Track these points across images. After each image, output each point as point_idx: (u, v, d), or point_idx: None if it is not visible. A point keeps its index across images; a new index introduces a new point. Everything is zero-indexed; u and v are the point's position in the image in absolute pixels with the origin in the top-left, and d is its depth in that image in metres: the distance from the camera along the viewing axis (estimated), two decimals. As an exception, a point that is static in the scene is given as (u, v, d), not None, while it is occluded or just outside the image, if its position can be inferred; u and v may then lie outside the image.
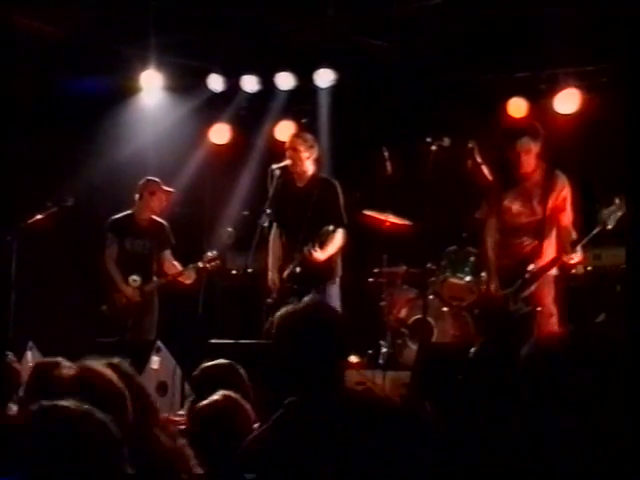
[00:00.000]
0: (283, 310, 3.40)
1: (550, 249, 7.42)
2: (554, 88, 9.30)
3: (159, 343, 7.77)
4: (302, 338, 3.30)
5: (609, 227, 7.00)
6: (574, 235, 7.27)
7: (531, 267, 7.35)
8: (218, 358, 4.89)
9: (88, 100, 9.80)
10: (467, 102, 9.53)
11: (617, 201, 6.96)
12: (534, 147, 7.44)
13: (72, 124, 9.81)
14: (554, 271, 7.46)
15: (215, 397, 3.96)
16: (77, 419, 2.29)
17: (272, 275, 8.16)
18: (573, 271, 7.83)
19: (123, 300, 8.81)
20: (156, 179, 9.06)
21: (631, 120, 8.24)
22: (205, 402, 3.95)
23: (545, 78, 9.46)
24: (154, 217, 9.06)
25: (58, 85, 9.83)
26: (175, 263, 8.93)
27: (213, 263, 8.71)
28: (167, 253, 9.03)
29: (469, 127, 8.86)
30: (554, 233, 7.43)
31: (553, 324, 7.29)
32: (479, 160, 8.29)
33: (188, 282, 8.87)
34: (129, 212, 9.03)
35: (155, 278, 8.95)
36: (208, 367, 4.70)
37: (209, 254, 8.74)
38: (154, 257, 8.96)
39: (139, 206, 8.99)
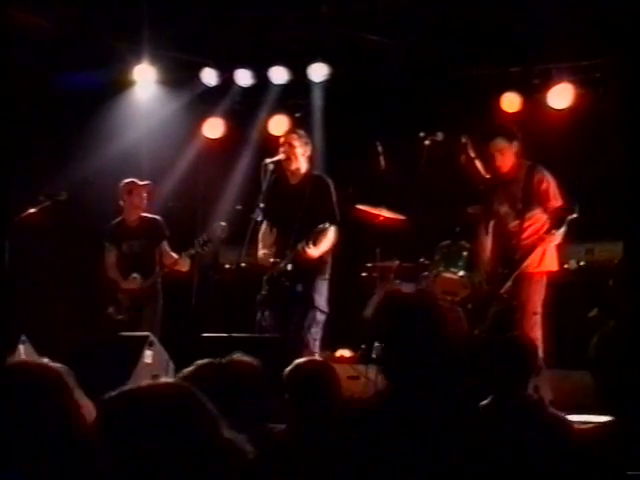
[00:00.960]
0: (389, 291, 3.35)
1: (531, 243, 7.46)
2: (547, 83, 9.31)
3: (152, 337, 7.77)
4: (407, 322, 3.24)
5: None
6: (562, 214, 7.30)
7: (515, 258, 7.42)
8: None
9: (81, 94, 9.77)
10: (461, 97, 9.53)
11: None
12: (509, 147, 7.49)
13: (65, 118, 9.79)
14: (551, 268, 7.48)
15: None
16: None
17: (261, 252, 8.15)
18: (565, 266, 7.83)
19: (127, 300, 8.97)
20: (131, 179, 9.14)
21: (630, 118, 8.32)
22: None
23: (538, 73, 9.46)
24: (144, 215, 9.16)
25: (51, 79, 9.81)
26: (173, 254, 8.97)
27: (205, 247, 8.73)
28: (164, 245, 9.10)
29: (462, 122, 8.86)
30: (540, 226, 7.48)
31: (535, 322, 7.32)
32: (472, 155, 8.29)
33: (185, 270, 8.94)
34: (120, 218, 9.19)
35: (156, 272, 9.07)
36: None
37: (201, 238, 8.76)
38: (152, 253, 9.05)
39: (125, 209, 9.15)
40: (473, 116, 9.17)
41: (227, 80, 10.29)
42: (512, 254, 7.49)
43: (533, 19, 8.53)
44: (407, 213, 8.95)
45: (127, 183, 9.13)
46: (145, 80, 10.16)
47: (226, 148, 10.62)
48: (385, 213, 9.08)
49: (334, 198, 8.06)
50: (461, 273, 9.20)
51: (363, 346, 9.04)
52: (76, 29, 9.31)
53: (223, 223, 9.24)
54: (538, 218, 7.52)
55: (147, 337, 7.75)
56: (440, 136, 8.10)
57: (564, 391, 7.57)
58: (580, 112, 9.08)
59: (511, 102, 9.52)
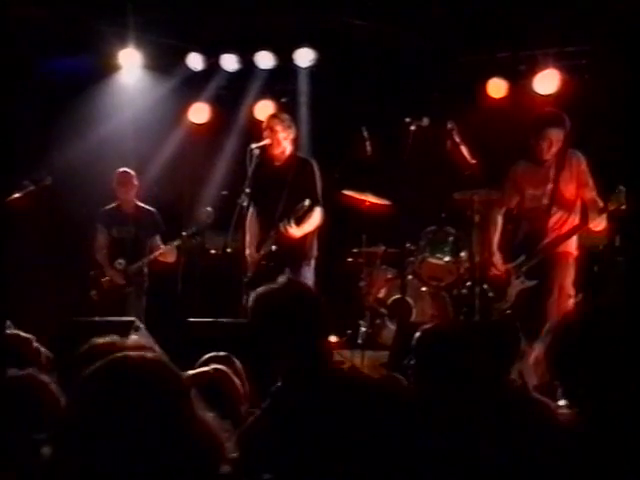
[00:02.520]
0: (258, 291, 3.38)
1: (566, 225, 7.48)
2: (534, 69, 9.32)
3: (137, 322, 7.75)
4: (279, 319, 3.27)
5: (622, 207, 7.13)
6: (601, 204, 7.32)
7: (544, 242, 7.43)
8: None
9: (66, 78, 9.74)
10: (446, 82, 9.54)
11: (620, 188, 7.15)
12: (556, 138, 7.50)
13: (50, 102, 9.77)
14: (574, 251, 7.50)
15: (206, 368, 3.95)
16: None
17: (249, 250, 8.16)
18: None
19: (108, 284, 9.12)
20: (120, 169, 9.23)
21: (616, 104, 8.33)
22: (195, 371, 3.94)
23: (524, 59, 9.48)
24: (141, 205, 9.32)
25: (36, 63, 9.76)
26: (162, 247, 9.03)
27: (193, 239, 8.78)
28: (156, 239, 9.24)
29: (448, 107, 8.87)
30: (572, 210, 7.50)
31: (570, 305, 7.31)
32: (458, 140, 8.30)
33: (170, 260, 9.05)
34: (116, 203, 9.34)
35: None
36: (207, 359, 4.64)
37: (188, 231, 8.80)
38: (141, 242, 9.17)
39: (118, 197, 9.30)
40: (459, 102, 9.19)
41: (213, 65, 10.27)
42: (538, 236, 7.48)
43: (519, 5, 8.53)
44: (393, 199, 8.96)
45: (117, 174, 9.24)
46: (131, 65, 10.13)
47: (212, 133, 10.60)
48: (371, 198, 9.09)
49: (318, 180, 8.06)
50: (447, 259, 9.24)
51: (349, 332, 9.07)
52: (61, 13, 9.26)
53: (209, 208, 9.24)
54: (571, 200, 7.50)
55: (132, 322, 7.73)
56: (426, 121, 8.09)
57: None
58: (566, 98, 9.08)
59: (497, 88, 9.54)
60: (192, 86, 10.47)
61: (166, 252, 8.99)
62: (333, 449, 3.00)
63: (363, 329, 8.96)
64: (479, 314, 8.38)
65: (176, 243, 8.89)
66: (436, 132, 8.37)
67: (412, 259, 9.23)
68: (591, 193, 7.46)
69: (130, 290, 9.14)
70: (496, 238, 7.76)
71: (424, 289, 9.23)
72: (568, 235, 7.48)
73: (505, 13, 8.68)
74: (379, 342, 8.87)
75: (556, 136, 7.50)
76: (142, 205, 9.34)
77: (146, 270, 9.22)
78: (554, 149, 7.53)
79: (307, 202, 7.75)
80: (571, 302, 7.37)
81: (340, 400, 3.12)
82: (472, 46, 9.46)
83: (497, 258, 7.68)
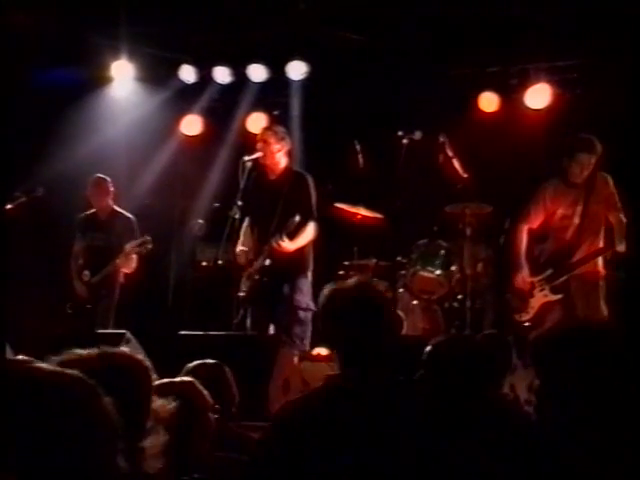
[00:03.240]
0: (329, 289, 3.38)
1: (591, 246, 7.60)
2: (525, 83, 9.35)
3: (128, 334, 7.74)
4: (353, 319, 3.28)
5: None
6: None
7: (573, 259, 7.57)
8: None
9: (59, 90, 9.74)
10: (439, 96, 9.55)
11: None
12: (588, 162, 7.59)
13: (43, 114, 9.75)
14: (602, 270, 7.59)
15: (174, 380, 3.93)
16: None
17: (238, 249, 8.13)
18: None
19: (83, 295, 8.98)
20: (98, 174, 9.15)
21: (607, 119, 8.37)
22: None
23: (516, 73, 9.51)
24: (118, 210, 9.16)
25: (28, 75, 9.75)
26: (134, 256, 8.91)
27: (142, 247, 8.71)
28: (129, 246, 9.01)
29: (441, 121, 8.88)
30: (600, 230, 7.62)
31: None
32: (450, 154, 8.33)
33: (129, 271, 8.93)
34: (93, 210, 9.21)
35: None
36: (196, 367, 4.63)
37: (138, 240, 8.75)
38: (113, 250, 8.94)
39: (93, 203, 9.19)
40: (451, 115, 9.20)
41: (205, 77, 10.28)
42: (567, 253, 7.59)
43: (511, 19, 8.56)
44: (385, 212, 8.96)
45: (90, 180, 9.14)
46: (123, 76, 10.14)
47: (204, 145, 10.60)
48: (363, 211, 9.09)
49: (313, 194, 8.05)
50: (438, 272, 9.23)
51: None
52: (54, 25, 9.27)
53: (201, 221, 9.24)
54: (599, 221, 7.59)
55: (123, 334, 7.72)
56: (418, 135, 8.11)
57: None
58: (557, 112, 9.12)
59: (489, 102, 9.57)
60: (184, 98, 10.48)
61: (123, 262, 8.83)
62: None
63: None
64: (470, 328, 8.40)
65: (127, 251, 8.74)
66: (428, 146, 8.39)
67: (403, 272, 9.23)
68: (619, 215, 7.58)
69: (101, 304, 8.92)
70: (523, 252, 7.82)
71: (415, 302, 9.22)
72: (595, 255, 7.63)
73: (497, 27, 8.71)
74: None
75: (588, 161, 7.62)
76: (120, 211, 9.16)
77: (115, 279, 8.99)
78: (585, 173, 7.66)
79: (297, 218, 7.75)
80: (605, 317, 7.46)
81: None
82: (464, 60, 9.49)
83: (526, 271, 7.77)
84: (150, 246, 8.76)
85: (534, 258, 7.81)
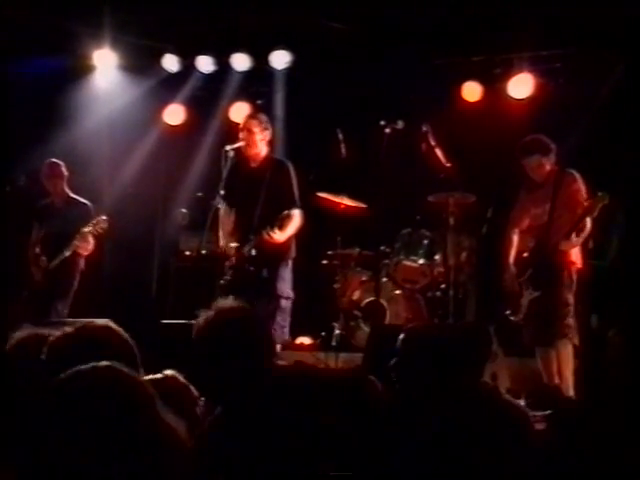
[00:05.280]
0: (200, 319, 3.36)
1: (559, 242, 7.55)
2: (508, 72, 9.36)
3: (111, 323, 7.72)
4: (220, 347, 3.27)
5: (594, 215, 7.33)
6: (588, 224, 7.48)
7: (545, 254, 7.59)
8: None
9: (40, 79, 9.70)
10: (421, 85, 9.55)
11: (600, 193, 7.26)
12: (545, 162, 7.62)
13: (24, 103, 9.71)
14: (578, 262, 7.61)
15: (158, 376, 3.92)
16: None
17: (223, 242, 8.15)
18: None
19: (39, 282, 8.88)
20: (51, 159, 9.06)
21: (590, 108, 8.41)
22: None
23: (499, 62, 9.51)
24: (73, 197, 9.07)
25: (10, 63, 9.71)
26: (90, 238, 8.80)
27: (99, 227, 8.66)
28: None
29: (423, 110, 8.89)
30: (567, 227, 7.56)
31: (568, 313, 7.46)
32: (433, 143, 8.34)
33: (86, 252, 8.84)
34: (50, 198, 9.11)
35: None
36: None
37: (94, 220, 8.70)
38: (70, 235, 8.80)
39: (47, 191, 9.09)
40: (434, 105, 9.21)
41: (188, 66, 10.25)
42: (541, 251, 7.61)
43: (494, 9, 8.56)
44: (368, 201, 8.98)
45: (47, 164, 9.05)
46: (105, 65, 10.09)
47: (187, 135, 10.57)
48: (346, 201, 9.10)
49: (295, 182, 8.08)
50: (421, 261, 9.26)
51: (323, 333, 9.08)
52: (35, 13, 9.21)
53: (184, 210, 9.23)
54: (566, 218, 7.61)
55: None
56: (400, 124, 8.12)
57: (524, 378, 7.67)
58: (540, 102, 9.14)
59: (472, 91, 9.57)
60: (167, 87, 10.44)
61: (80, 244, 8.74)
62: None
63: (337, 331, 8.95)
64: (452, 317, 8.43)
65: (83, 232, 8.67)
66: (411, 135, 8.40)
67: (387, 261, 9.25)
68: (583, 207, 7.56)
69: (59, 290, 8.85)
70: (511, 255, 7.85)
71: (398, 291, 9.24)
72: (550, 254, 7.58)
73: (480, 16, 8.71)
74: (353, 344, 8.88)
75: (536, 162, 7.61)
76: (74, 197, 9.06)
77: (79, 266, 8.92)
78: (541, 172, 7.65)
79: (286, 213, 7.82)
80: (569, 310, 7.49)
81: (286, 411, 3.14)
82: (447, 49, 9.49)
83: (510, 274, 7.78)
84: (105, 226, 8.69)
85: (523, 259, 7.87)
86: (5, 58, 9.63)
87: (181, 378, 3.92)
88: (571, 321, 7.46)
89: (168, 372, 3.97)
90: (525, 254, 7.77)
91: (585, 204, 7.43)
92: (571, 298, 7.52)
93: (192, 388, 3.90)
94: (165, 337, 7.07)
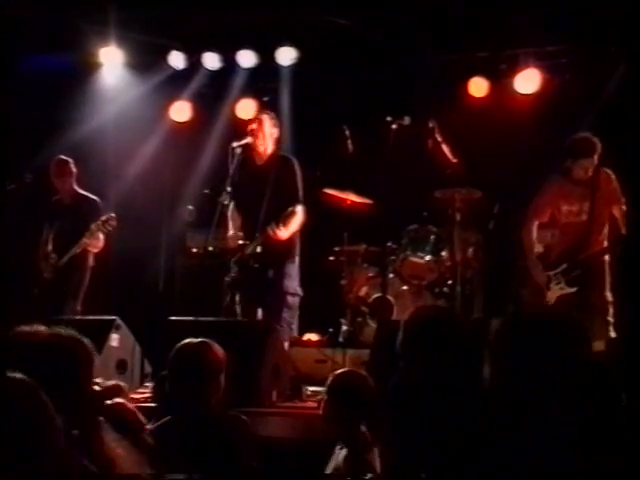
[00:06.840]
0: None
1: (599, 241, 7.72)
2: (514, 68, 9.35)
3: (118, 320, 7.75)
4: None
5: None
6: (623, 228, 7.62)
7: (586, 254, 7.70)
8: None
9: (47, 76, 9.71)
10: (428, 81, 9.55)
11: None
12: (591, 164, 7.68)
13: (31, 100, 9.73)
14: (607, 259, 7.72)
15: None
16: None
17: (231, 232, 8.16)
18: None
19: (49, 279, 8.87)
20: (60, 156, 9.04)
21: (596, 103, 8.40)
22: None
23: (506, 58, 9.51)
24: (81, 193, 9.06)
25: (17, 61, 9.73)
26: (100, 235, 8.79)
27: (108, 224, 8.66)
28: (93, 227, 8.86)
29: (429, 106, 8.89)
30: (605, 225, 7.73)
31: (608, 311, 7.57)
32: (439, 139, 8.33)
33: (96, 250, 8.84)
34: (58, 196, 9.10)
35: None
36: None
37: (103, 217, 8.68)
38: (82, 232, 8.77)
39: (58, 187, 9.07)
40: (440, 101, 9.20)
41: (195, 63, 10.26)
42: (579, 249, 7.72)
43: (500, 4, 8.56)
44: (374, 197, 8.97)
45: (55, 161, 9.03)
46: (112, 63, 10.11)
47: (193, 132, 10.58)
48: (352, 197, 9.09)
49: (299, 178, 8.10)
50: (428, 257, 9.25)
51: (330, 330, 9.08)
52: (43, 10, 9.23)
53: (190, 207, 9.23)
54: (605, 216, 7.71)
55: (114, 320, 7.73)
56: (407, 120, 8.11)
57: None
58: (546, 97, 9.13)
59: (478, 87, 9.57)
60: (174, 84, 10.45)
61: (89, 241, 8.71)
62: None
63: (344, 327, 8.96)
64: (459, 313, 8.41)
65: (93, 229, 8.63)
66: (417, 131, 8.39)
67: (393, 257, 9.24)
68: (622, 207, 7.67)
69: (67, 282, 8.83)
70: (535, 249, 7.94)
71: (405, 287, 9.24)
72: (603, 253, 7.75)
73: (486, 12, 8.71)
74: (360, 340, 8.87)
75: (589, 163, 7.69)
76: (83, 193, 9.03)
77: (88, 263, 8.92)
78: (589, 173, 7.73)
79: (290, 209, 7.84)
80: (609, 308, 7.59)
81: None
82: (453, 45, 9.48)
83: (540, 268, 7.86)
84: (115, 223, 8.67)
85: (541, 255, 7.90)
86: (11, 56, 9.65)
87: (128, 405, 3.89)
88: (611, 319, 7.55)
89: (117, 400, 3.90)
90: (549, 249, 7.84)
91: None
92: (610, 295, 7.62)
93: (139, 415, 3.87)
94: (172, 334, 7.07)
